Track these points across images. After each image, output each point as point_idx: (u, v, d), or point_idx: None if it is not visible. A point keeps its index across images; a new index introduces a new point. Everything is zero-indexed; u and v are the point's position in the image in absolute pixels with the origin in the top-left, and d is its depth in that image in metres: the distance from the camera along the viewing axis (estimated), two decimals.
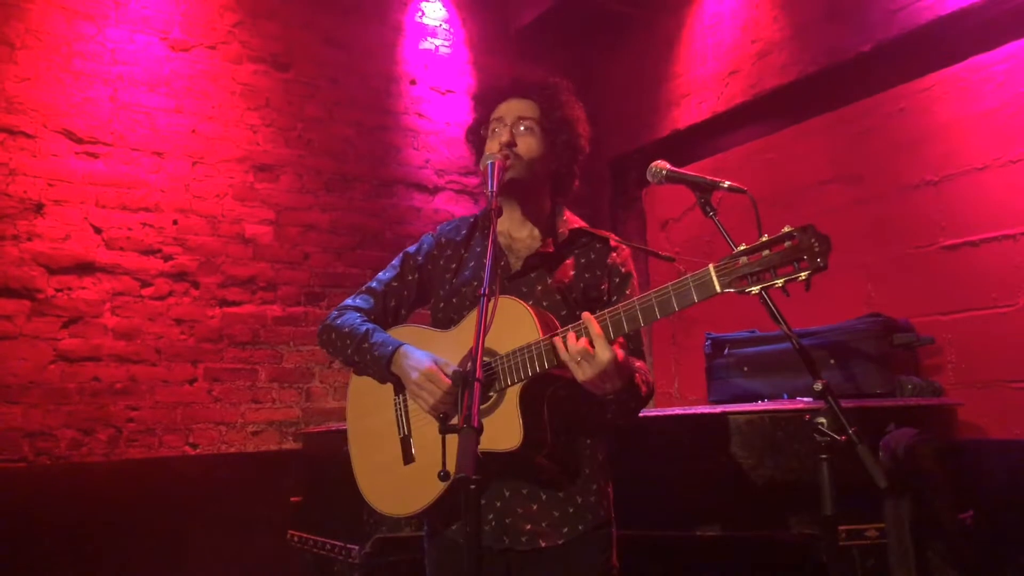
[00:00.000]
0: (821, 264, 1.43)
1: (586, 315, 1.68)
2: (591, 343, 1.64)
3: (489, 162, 1.85)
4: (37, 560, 3.55)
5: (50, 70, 3.97)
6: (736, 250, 1.53)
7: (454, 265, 2.07)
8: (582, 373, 1.66)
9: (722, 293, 1.53)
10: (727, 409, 2.64)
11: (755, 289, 1.50)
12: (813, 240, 1.44)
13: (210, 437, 4.18)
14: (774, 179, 4.30)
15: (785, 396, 3.13)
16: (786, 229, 1.48)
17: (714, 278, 1.54)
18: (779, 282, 1.47)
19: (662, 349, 5.09)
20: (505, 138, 1.95)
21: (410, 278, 2.13)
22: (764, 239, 1.50)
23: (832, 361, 3.16)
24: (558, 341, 1.68)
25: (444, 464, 1.51)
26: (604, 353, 1.63)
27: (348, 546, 2.95)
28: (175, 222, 4.21)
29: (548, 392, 1.80)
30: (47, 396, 3.79)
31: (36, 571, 3.54)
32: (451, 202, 5.16)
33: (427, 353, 1.91)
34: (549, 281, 1.95)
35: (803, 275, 1.45)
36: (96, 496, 3.78)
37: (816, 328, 3.36)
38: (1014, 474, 3.11)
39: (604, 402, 1.77)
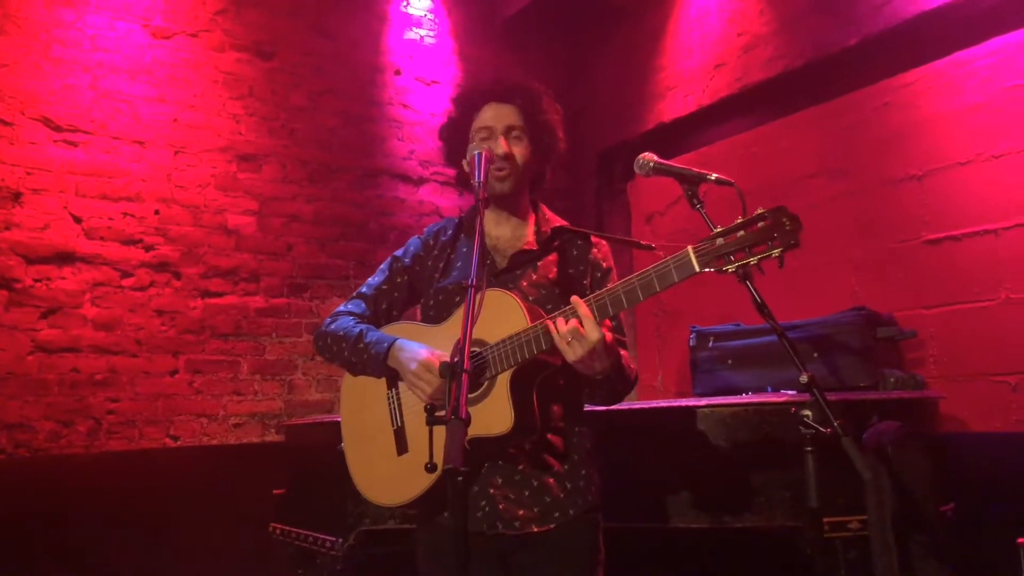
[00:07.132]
0: (793, 242, 1.52)
1: (575, 298, 1.76)
2: (581, 323, 1.71)
3: (476, 152, 1.88)
4: (16, 553, 3.50)
5: (29, 56, 3.90)
6: (713, 231, 1.61)
7: (442, 265, 2.12)
8: (573, 353, 1.73)
9: (700, 272, 1.62)
10: (712, 402, 2.65)
11: (731, 267, 1.58)
12: (784, 219, 1.53)
13: (191, 429, 4.14)
14: (759, 172, 4.30)
15: (769, 389, 3.14)
16: (759, 211, 1.56)
17: (693, 258, 1.62)
18: (754, 260, 1.56)
19: (646, 342, 5.09)
20: (503, 150, 1.99)
21: (399, 280, 2.18)
22: (739, 220, 1.58)
23: (816, 354, 3.18)
24: (549, 324, 1.75)
25: (431, 456, 1.55)
26: (593, 333, 1.71)
27: (331, 539, 2.94)
28: (157, 212, 4.16)
29: (537, 379, 1.85)
30: (25, 387, 3.74)
31: (15, 564, 3.50)
32: (436, 193, 5.14)
33: (422, 344, 1.95)
34: (534, 277, 2.02)
35: (776, 252, 1.54)
36: (76, 489, 3.74)
37: (800, 321, 3.37)
38: (994, 467, 3.14)
39: (593, 383, 1.86)
